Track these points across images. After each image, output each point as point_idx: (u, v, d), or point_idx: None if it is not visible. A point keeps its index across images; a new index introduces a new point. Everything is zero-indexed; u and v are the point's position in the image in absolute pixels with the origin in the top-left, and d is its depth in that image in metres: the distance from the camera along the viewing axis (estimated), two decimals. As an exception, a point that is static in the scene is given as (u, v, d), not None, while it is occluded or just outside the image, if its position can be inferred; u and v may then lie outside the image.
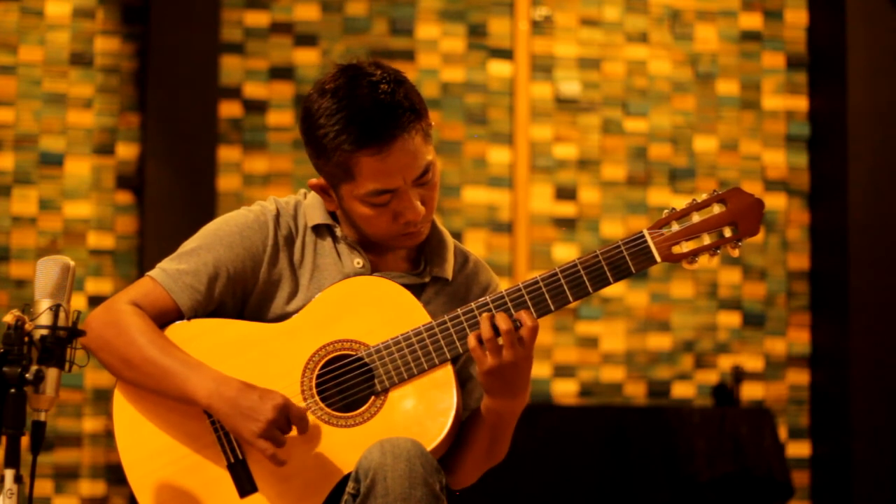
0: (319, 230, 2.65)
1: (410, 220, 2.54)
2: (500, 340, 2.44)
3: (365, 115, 2.47)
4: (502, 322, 2.44)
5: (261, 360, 2.55)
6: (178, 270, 2.58)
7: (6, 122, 5.62)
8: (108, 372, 2.58)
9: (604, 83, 6.19)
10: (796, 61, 6.35)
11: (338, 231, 2.64)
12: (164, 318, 2.58)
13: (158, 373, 2.52)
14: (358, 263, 2.62)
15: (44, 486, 5.52)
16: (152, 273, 2.60)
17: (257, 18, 5.94)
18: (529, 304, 2.48)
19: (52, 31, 5.68)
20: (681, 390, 6.12)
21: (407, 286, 2.58)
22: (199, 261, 2.58)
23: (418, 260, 2.68)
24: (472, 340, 2.44)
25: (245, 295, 2.61)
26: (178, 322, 2.58)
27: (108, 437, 5.58)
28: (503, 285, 2.59)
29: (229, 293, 2.59)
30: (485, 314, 2.45)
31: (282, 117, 5.90)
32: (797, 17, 6.36)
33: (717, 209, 2.50)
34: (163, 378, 2.51)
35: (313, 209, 2.65)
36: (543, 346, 5.96)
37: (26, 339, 2.26)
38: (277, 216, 2.64)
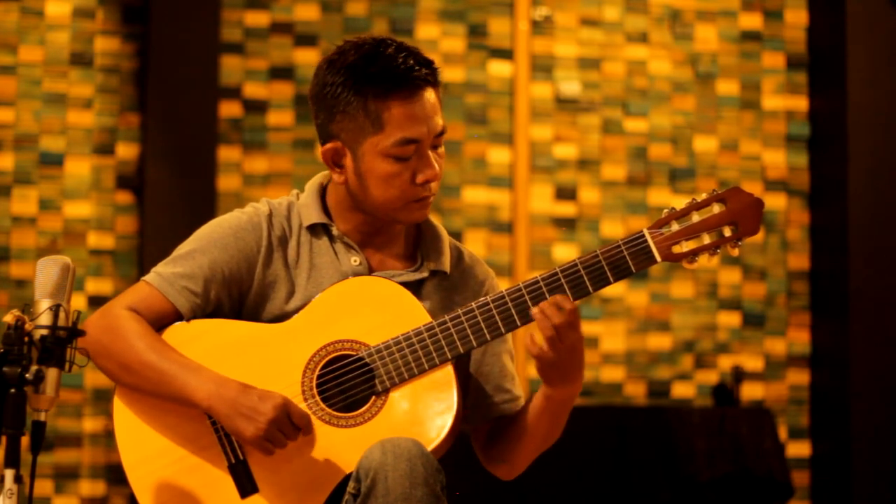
0: (315, 229, 2.64)
1: (429, 178, 2.54)
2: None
3: (396, 63, 2.52)
4: (554, 314, 2.42)
5: (261, 361, 2.55)
6: (173, 273, 2.58)
7: (6, 122, 5.62)
8: (107, 377, 2.58)
9: (604, 83, 6.18)
10: (796, 61, 6.35)
11: (334, 229, 2.63)
12: (161, 321, 2.58)
13: (157, 377, 2.52)
14: (355, 261, 2.62)
15: (44, 486, 5.52)
16: (148, 277, 2.60)
17: (257, 18, 5.94)
18: (529, 304, 2.49)
19: (52, 31, 5.68)
20: (681, 390, 6.12)
21: (406, 283, 2.59)
22: (195, 263, 2.58)
23: (414, 256, 2.68)
24: (530, 342, 2.43)
25: (241, 296, 2.61)
26: (176, 323, 2.58)
27: (108, 437, 5.58)
28: (503, 285, 2.59)
29: (225, 294, 2.59)
30: (537, 311, 2.43)
31: (282, 117, 5.90)
32: (797, 17, 6.36)
33: (716, 209, 2.50)
34: (162, 382, 2.52)
35: (308, 209, 2.65)
36: (543, 346, 5.94)
37: (26, 339, 2.26)
38: (270, 217, 2.64)
